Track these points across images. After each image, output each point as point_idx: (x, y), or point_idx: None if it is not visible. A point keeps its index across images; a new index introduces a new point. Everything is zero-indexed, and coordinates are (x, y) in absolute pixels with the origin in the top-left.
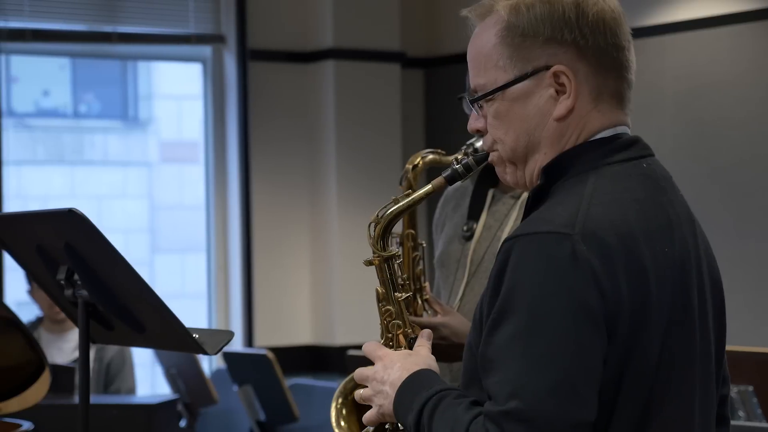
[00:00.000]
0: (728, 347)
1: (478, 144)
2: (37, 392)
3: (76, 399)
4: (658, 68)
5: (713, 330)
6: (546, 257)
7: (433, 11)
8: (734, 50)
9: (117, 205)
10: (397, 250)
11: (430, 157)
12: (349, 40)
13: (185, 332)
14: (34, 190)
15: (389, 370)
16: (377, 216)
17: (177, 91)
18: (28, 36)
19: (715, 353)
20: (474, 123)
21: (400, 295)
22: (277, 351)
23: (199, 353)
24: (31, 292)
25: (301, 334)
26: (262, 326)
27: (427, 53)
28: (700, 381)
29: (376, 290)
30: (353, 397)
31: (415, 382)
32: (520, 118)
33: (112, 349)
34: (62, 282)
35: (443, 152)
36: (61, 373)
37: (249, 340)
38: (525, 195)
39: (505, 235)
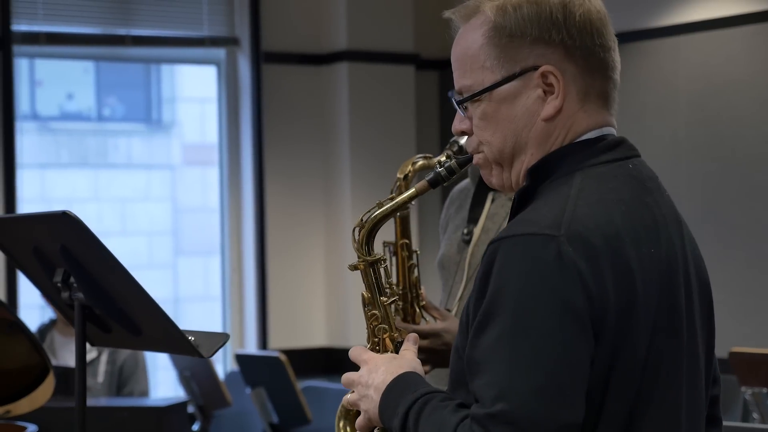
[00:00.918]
0: (743, 349)
1: (462, 141)
2: (43, 394)
3: (88, 401)
4: (672, 69)
5: (701, 331)
6: (531, 259)
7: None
8: (749, 50)
9: (140, 207)
10: (381, 254)
11: (420, 163)
12: (363, 42)
13: (180, 335)
14: (57, 194)
15: (374, 374)
16: (361, 220)
17: (200, 93)
18: (42, 39)
19: (704, 354)
20: (459, 125)
21: (385, 299)
22: (292, 353)
23: (194, 356)
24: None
25: (315, 336)
26: (276, 328)
27: (442, 55)
28: (687, 382)
29: (362, 295)
30: (355, 413)
31: (399, 385)
32: (508, 119)
33: (124, 352)
34: (59, 285)
35: (431, 156)
36: (71, 376)
37: (263, 342)
38: None
39: (478, 230)
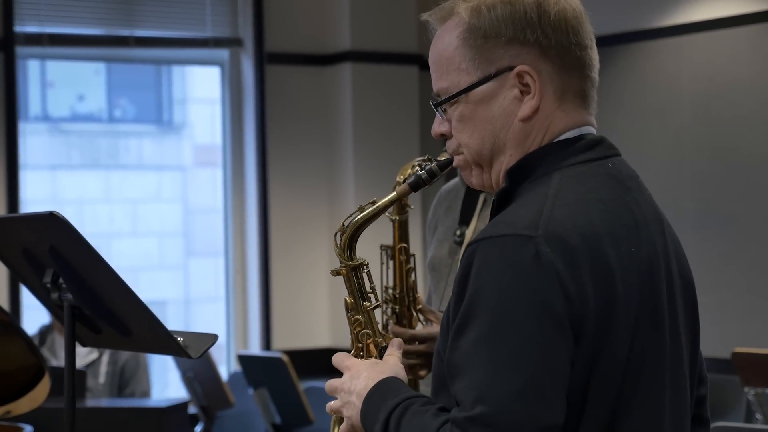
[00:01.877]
0: (746, 350)
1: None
2: (40, 395)
3: (87, 403)
4: (675, 69)
5: (685, 330)
6: (509, 260)
7: None
8: (752, 50)
9: (152, 208)
10: (363, 258)
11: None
12: (367, 42)
13: (168, 336)
14: (68, 195)
15: (355, 380)
16: (343, 225)
17: (210, 94)
18: (45, 41)
19: (689, 354)
20: (438, 127)
21: (368, 304)
22: (296, 354)
23: (182, 356)
24: None
25: (319, 337)
26: (279, 329)
27: None
28: (671, 383)
29: (345, 300)
30: None
31: (381, 390)
32: (485, 120)
33: (126, 353)
34: (48, 285)
35: (430, 156)
36: None
37: (266, 343)
38: None
39: (470, 231)
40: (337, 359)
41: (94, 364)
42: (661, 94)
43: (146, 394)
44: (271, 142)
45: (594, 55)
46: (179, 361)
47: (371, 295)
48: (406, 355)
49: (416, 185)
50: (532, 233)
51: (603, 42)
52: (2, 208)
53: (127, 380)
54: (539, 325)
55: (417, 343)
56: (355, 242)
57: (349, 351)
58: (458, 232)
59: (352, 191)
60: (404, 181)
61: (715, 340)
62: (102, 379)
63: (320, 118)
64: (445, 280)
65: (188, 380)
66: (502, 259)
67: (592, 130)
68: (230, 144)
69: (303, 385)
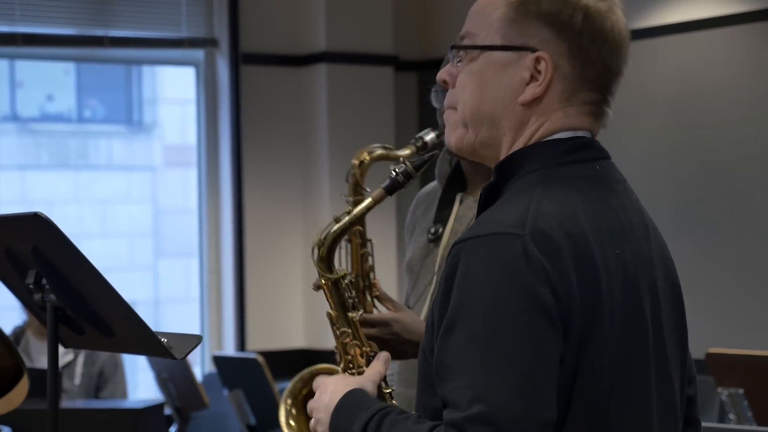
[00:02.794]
0: (719, 350)
1: (428, 138)
2: (17, 396)
3: (62, 404)
4: (650, 71)
5: (672, 333)
6: (497, 259)
7: (426, 14)
8: (726, 52)
9: (121, 209)
10: (344, 269)
11: (379, 152)
12: (342, 43)
13: (152, 337)
14: (38, 195)
15: (323, 396)
16: (320, 239)
17: (181, 95)
18: (20, 40)
19: (678, 357)
20: (443, 74)
21: (353, 314)
22: (270, 355)
23: (166, 357)
24: None
25: (293, 338)
26: (254, 330)
27: (421, 56)
28: (657, 386)
29: (328, 314)
30: (303, 397)
31: (349, 404)
32: (490, 85)
33: (103, 355)
34: (31, 286)
35: (391, 147)
36: (46, 378)
37: (241, 344)
38: None
39: (447, 232)
40: (316, 382)
41: (70, 365)
42: (636, 96)
43: (124, 396)
44: (246, 143)
45: (617, 83)
46: (153, 362)
47: (353, 303)
48: None
49: (392, 188)
50: (519, 231)
51: None
52: None
53: (105, 382)
54: (531, 320)
55: (369, 327)
56: (333, 253)
57: (322, 353)
58: (432, 230)
59: (328, 192)
60: (360, 164)
61: (690, 341)
62: (77, 380)
63: (296, 118)
64: (421, 280)
65: (162, 381)
66: (491, 258)
67: (588, 135)
68: (205, 144)
69: (278, 386)
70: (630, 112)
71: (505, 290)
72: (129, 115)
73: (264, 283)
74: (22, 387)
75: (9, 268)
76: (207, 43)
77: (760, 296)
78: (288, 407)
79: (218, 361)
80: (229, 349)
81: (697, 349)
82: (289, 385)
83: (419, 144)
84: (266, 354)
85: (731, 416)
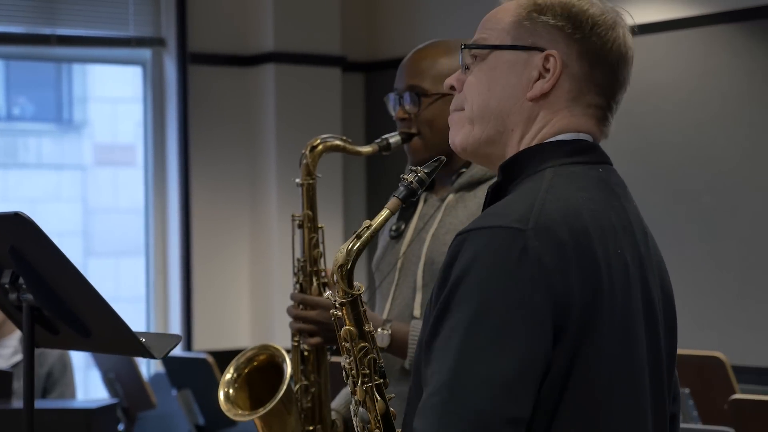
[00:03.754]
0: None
1: (393, 140)
2: None
3: (15, 404)
4: None
5: (664, 342)
6: (496, 252)
7: (373, 16)
8: (672, 56)
9: (51, 208)
10: (362, 285)
11: (336, 142)
12: (290, 44)
13: (133, 336)
14: None
15: None
16: (346, 257)
17: (112, 93)
18: None
19: (667, 366)
20: (451, 80)
21: (368, 327)
22: (216, 355)
23: (146, 357)
24: None
25: (240, 338)
26: (201, 330)
27: (368, 57)
28: (651, 388)
29: (348, 330)
30: (246, 375)
31: None
32: (498, 82)
33: (52, 356)
34: (7, 286)
35: (349, 140)
36: (5, 379)
37: (188, 344)
38: (450, 197)
39: (429, 235)
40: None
41: (19, 365)
42: None
43: (73, 396)
44: (193, 143)
45: (622, 94)
46: (100, 362)
47: (364, 315)
48: (295, 318)
49: (408, 196)
50: (522, 226)
51: None
52: None
53: (54, 384)
54: (516, 319)
55: (308, 308)
56: (353, 270)
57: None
58: (394, 227)
59: (275, 192)
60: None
61: None
62: None
63: (243, 118)
64: (385, 278)
65: (109, 381)
66: (490, 251)
67: (589, 138)
68: (152, 144)
69: None
70: None
71: (497, 285)
72: (59, 113)
73: (211, 283)
74: None
75: None
76: (154, 42)
77: (705, 297)
78: (232, 378)
79: (167, 361)
80: (176, 349)
81: None
82: (233, 360)
83: (383, 144)
84: (213, 354)
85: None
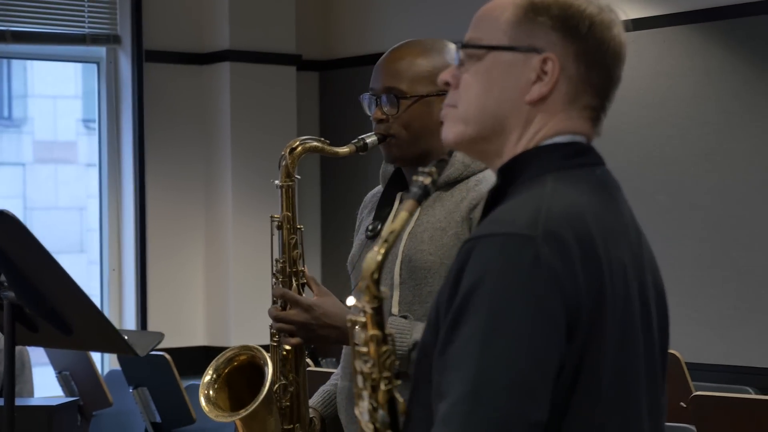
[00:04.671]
0: None
1: (369, 140)
2: None
3: None
4: None
5: (658, 342)
6: (508, 259)
7: (328, 14)
8: (629, 57)
9: None
10: (386, 290)
11: (313, 144)
12: (246, 42)
13: (116, 334)
14: None
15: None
16: (375, 263)
17: (53, 91)
18: None
19: (661, 366)
20: (446, 75)
21: (389, 332)
22: (171, 352)
23: (129, 354)
24: None
25: (194, 336)
26: (156, 328)
27: (323, 56)
28: (647, 388)
29: (373, 336)
30: (225, 375)
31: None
32: (496, 84)
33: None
34: None
35: (328, 141)
36: None
37: None
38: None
39: (406, 234)
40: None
41: None
42: None
43: (31, 394)
44: (148, 141)
45: (615, 91)
46: (54, 359)
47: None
48: (276, 319)
49: (422, 197)
50: (532, 233)
51: None
52: None
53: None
54: (533, 324)
55: (290, 306)
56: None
57: (222, 351)
58: (370, 227)
59: (230, 190)
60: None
61: None
62: None
63: (198, 116)
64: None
65: (64, 378)
66: (502, 258)
67: (584, 140)
68: (107, 142)
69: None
70: None
71: (512, 291)
72: None
73: (166, 281)
74: None
75: None
76: (109, 40)
77: None
78: (212, 379)
79: (123, 358)
80: None
81: None
82: (213, 361)
83: (360, 144)
84: (168, 351)
85: None
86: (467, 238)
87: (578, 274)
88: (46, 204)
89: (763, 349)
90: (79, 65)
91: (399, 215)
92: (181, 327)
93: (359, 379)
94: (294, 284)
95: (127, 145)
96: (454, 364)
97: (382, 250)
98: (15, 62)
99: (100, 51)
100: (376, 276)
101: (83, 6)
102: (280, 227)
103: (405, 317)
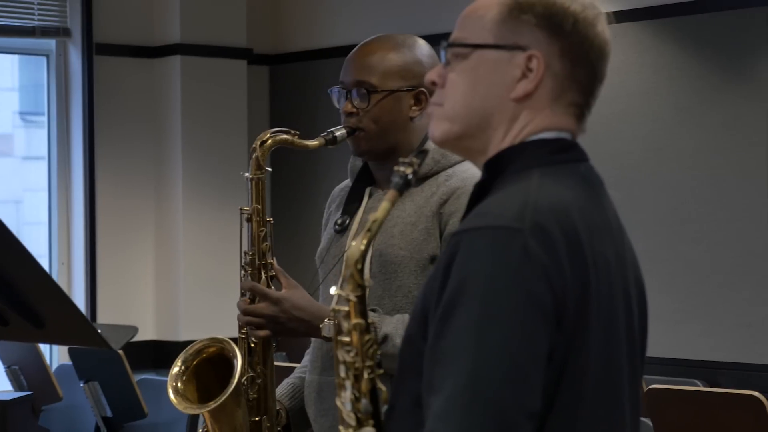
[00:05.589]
0: None
1: (338, 133)
2: None
3: None
4: None
5: (638, 338)
6: (497, 251)
7: (278, 8)
8: None
9: None
10: (369, 279)
11: (283, 136)
12: (196, 35)
13: (90, 327)
14: None
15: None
16: (358, 252)
17: None
18: None
19: (640, 360)
20: (432, 75)
21: (372, 321)
22: (123, 346)
23: (103, 347)
24: None
25: (144, 330)
26: (105, 322)
27: (273, 50)
28: (629, 388)
29: (357, 324)
30: (194, 367)
31: None
32: (481, 82)
33: None
34: None
35: (297, 134)
36: None
37: None
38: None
39: None
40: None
41: None
42: None
43: None
44: (99, 134)
45: (600, 88)
46: (2, 353)
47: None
48: (245, 312)
49: (404, 188)
50: (519, 225)
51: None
52: None
53: None
54: (525, 314)
55: (259, 299)
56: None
57: (173, 344)
58: (339, 221)
59: (180, 184)
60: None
61: None
62: None
63: (149, 110)
64: (331, 271)
65: (13, 373)
66: (491, 250)
67: (569, 136)
68: (56, 135)
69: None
70: None
71: (502, 283)
72: None
73: (116, 276)
74: None
75: None
76: (59, 32)
77: None
78: (180, 371)
79: (74, 352)
80: None
81: None
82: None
83: (329, 137)
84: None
85: None
86: (455, 231)
87: (565, 268)
88: None
89: (711, 342)
90: (16, 57)
91: (381, 205)
92: (131, 321)
93: (342, 369)
94: (263, 277)
95: (76, 138)
96: (446, 358)
97: (365, 240)
98: None
99: (50, 44)
100: (359, 265)
101: None
102: (249, 219)
103: (374, 311)
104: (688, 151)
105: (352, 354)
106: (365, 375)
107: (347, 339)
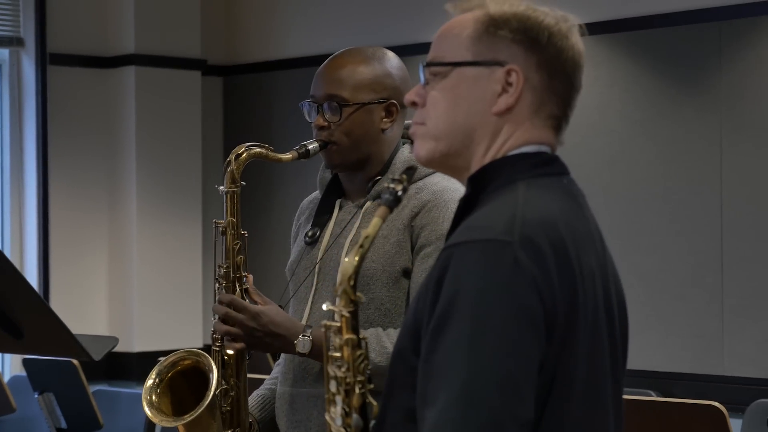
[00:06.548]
0: None
1: (311, 146)
2: None
3: None
4: None
5: (620, 348)
6: (488, 264)
7: (232, 19)
8: None
9: None
10: (361, 294)
11: (257, 150)
12: (151, 46)
13: (71, 338)
14: None
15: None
16: (352, 268)
17: None
18: None
19: (621, 370)
20: (412, 95)
21: (364, 336)
22: None
23: (83, 359)
24: None
25: None
26: None
27: (227, 61)
28: (613, 399)
29: (349, 339)
30: (168, 380)
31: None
32: (463, 99)
33: None
34: None
35: (271, 148)
36: None
37: None
38: (368, 204)
39: (347, 241)
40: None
41: None
42: None
43: None
44: (52, 143)
45: (576, 98)
46: None
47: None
48: (224, 319)
49: (394, 204)
50: (509, 238)
51: (406, 51)
52: None
53: None
54: (517, 326)
55: (235, 311)
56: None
57: (127, 355)
58: (309, 233)
59: (134, 194)
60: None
61: None
62: None
63: (103, 120)
64: (302, 283)
65: None
66: (481, 263)
67: (549, 150)
68: (9, 145)
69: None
70: None
71: (493, 296)
72: None
73: (69, 286)
74: None
75: None
76: (12, 42)
77: None
78: (154, 383)
79: (29, 363)
80: None
81: None
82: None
83: (302, 151)
84: None
85: None
86: (445, 246)
87: (554, 279)
88: None
89: (664, 353)
90: None
91: (372, 221)
92: (84, 332)
93: (332, 384)
94: (237, 289)
95: (30, 149)
96: (439, 371)
97: (358, 256)
98: None
99: (3, 53)
100: (352, 281)
101: None
102: (224, 232)
103: None
104: (641, 163)
105: (343, 369)
106: (356, 390)
107: (338, 354)
